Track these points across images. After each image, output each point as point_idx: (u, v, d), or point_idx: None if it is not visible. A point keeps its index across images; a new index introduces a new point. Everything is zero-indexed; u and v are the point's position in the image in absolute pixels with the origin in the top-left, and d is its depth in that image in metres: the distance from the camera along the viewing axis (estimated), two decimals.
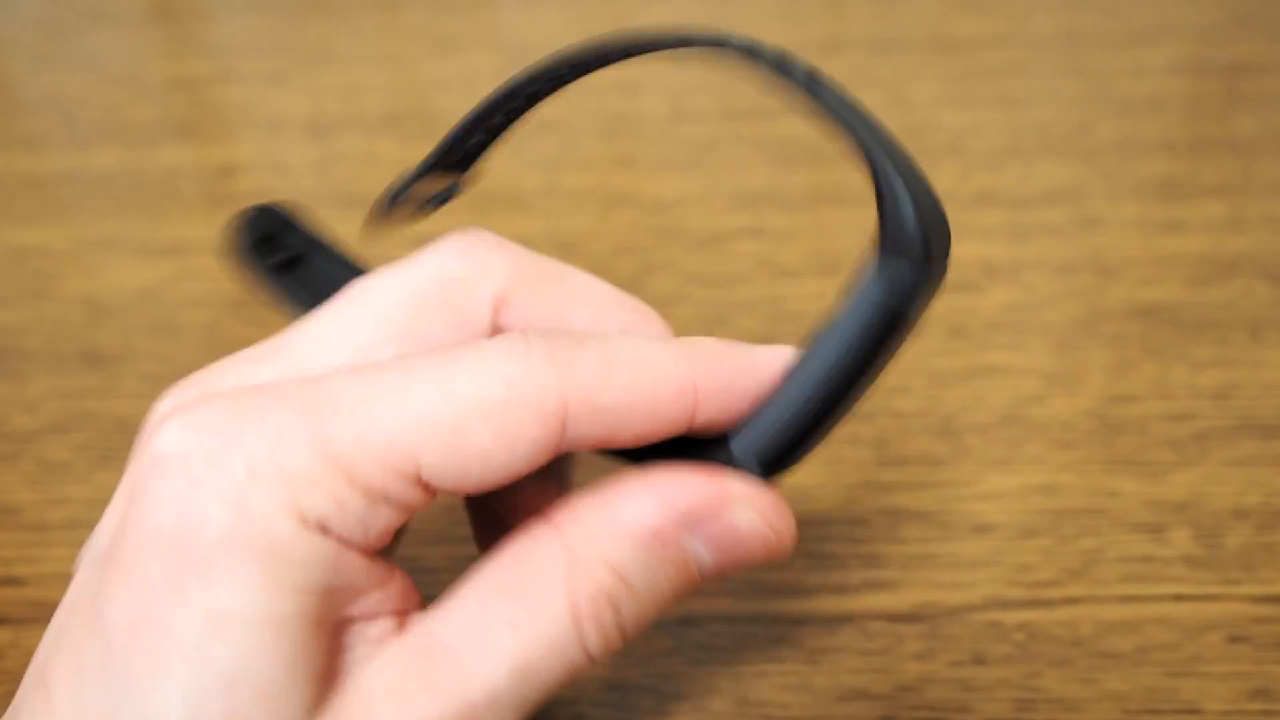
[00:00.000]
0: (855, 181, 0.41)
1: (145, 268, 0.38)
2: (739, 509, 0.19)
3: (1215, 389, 0.32)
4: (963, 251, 0.38)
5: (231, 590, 0.16)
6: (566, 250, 0.38)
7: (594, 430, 0.18)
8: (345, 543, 0.17)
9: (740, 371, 0.19)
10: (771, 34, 0.51)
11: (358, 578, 0.18)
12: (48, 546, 0.29)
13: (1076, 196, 0.40)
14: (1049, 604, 0.27)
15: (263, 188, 0.42)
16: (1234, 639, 0.26)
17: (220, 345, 0.34)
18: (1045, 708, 0.24)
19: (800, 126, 0.45)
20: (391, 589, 0.18)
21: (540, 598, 0.17)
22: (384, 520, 0.17)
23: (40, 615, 0.27)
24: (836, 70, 0.48)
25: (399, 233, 0.40)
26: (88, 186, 0.43)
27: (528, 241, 0.39)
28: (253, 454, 0.16)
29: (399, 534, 0.20)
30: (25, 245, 0.40)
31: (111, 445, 0.32)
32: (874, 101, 0.46)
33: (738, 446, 0.19)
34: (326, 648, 0.17)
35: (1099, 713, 0.24)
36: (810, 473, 0.30)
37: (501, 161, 0.43)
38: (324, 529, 0.17)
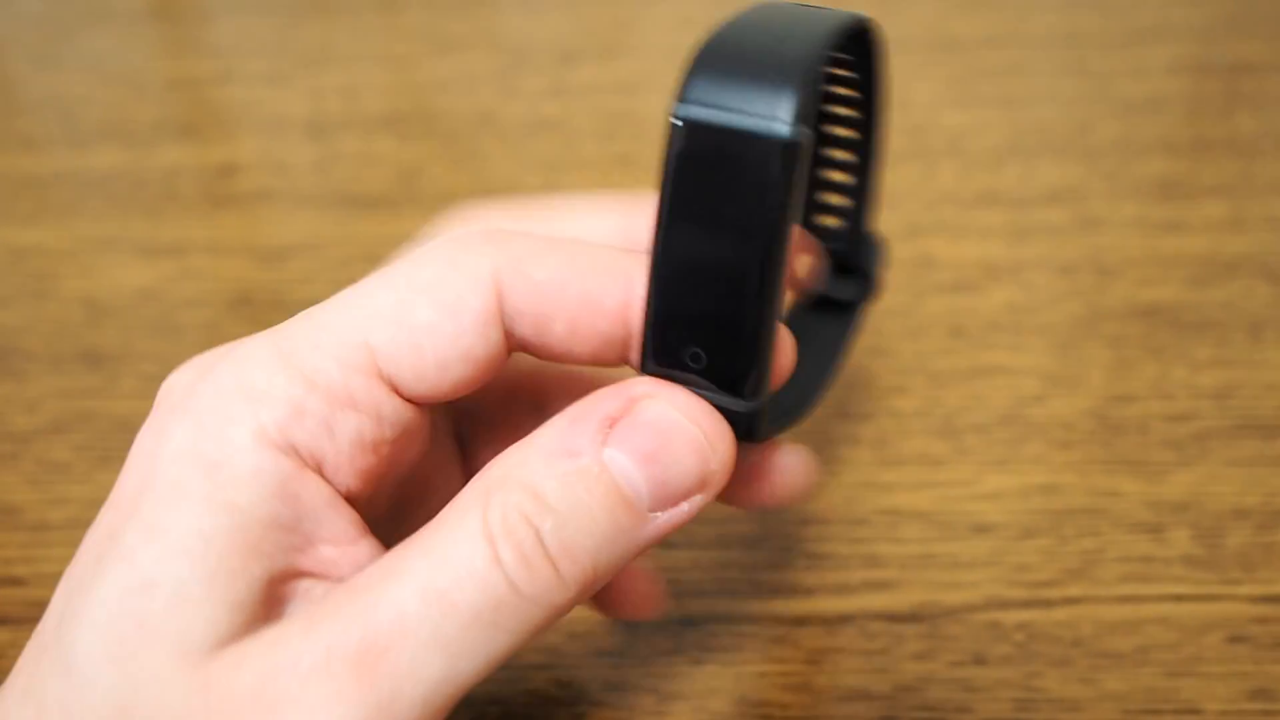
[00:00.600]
0: None
1: (145, 268, 0.38)
2: (646, 405, 0.18)
3: (1215, 389, 0.32)
4: (963, 251, 0.38)
5: (172, 501, 0.17)
6: None
7: (530, 304, 0.18)
8: (310, 462, 0.18)
9: None
10: None
11: (314, 516, 0.18)
12: (48, 547, 0.29)
13: (1077, 196, 0.40)
14: (1049, 604, 0.27)
15: (263, 188, 0.42)
16: (1234, 639, 0.26)
17: (220, 345, 0.34)
18: (1045, 708, 0.24)
19: None
20: (360, 559, 0.18)
21: (454, 525, 0.17)
22: (352, 428, 0.18)
23: (40, 615, 0.27)
24: None
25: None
26: (88, 186, 0.43)
27: None
28: (220, 379, 0.18)
29: (381, 486, 0.20)
30: (25, 245, 0.40)
31: (111, 445, 0.32)
32: None
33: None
34: (261, 581, 0.17)
35: (1099, 713, 0.24)
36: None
37: (502, 162, 0.43)
38: (287, 445, 0.17)
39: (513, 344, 0.19)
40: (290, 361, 0.18)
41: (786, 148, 0.16)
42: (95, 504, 0.31)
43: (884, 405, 0.32)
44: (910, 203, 0.40)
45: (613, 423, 0.18)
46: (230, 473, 0.17)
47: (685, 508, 0.18)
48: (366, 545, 0.19)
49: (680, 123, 0.17)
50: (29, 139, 0.46)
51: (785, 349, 0.19)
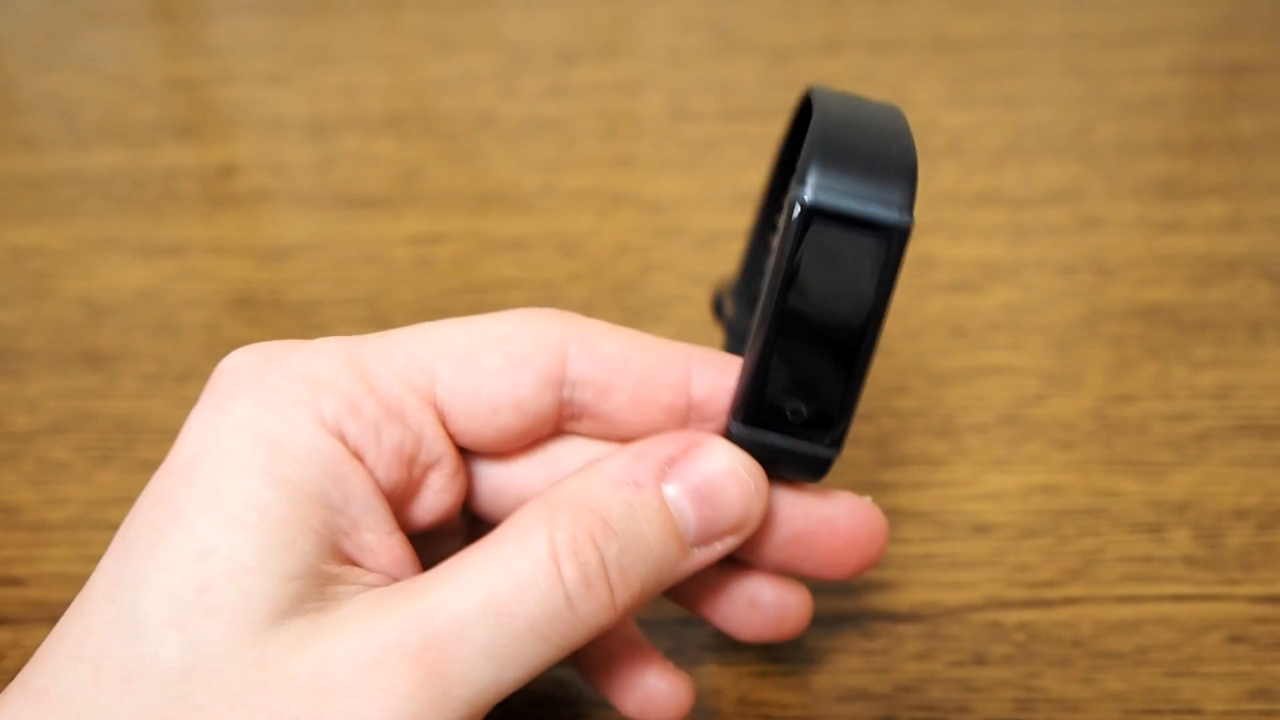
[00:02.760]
0: None
1: (145, 268, 0.38)
2: (707, 451, 0.20)
3: (1215, 389, 0.32)
4: (963, 251, 0.38)
5: (230, 474, 0.18)
6: (567, 250, 0.38)
7: (595, 373, 0.20)
8: (357, 453, 0.19)
9: (729, 360, 0.20)
10: (772, 34, 0.51)
11: (359, 501, 0.19)
12: (48, 547, 0.29)
13: (1077, 196, 0.40)
14: (1049, 604, 0.27)
15: (262, 188, 0.42)
16: (1234, 639, 0.26)
17: (220, 345, 0.34)
18: (1045, 708, 0.24)
19: None
20: (395, 551, 0.19)
21: (518, 539, 0.18)
22: (396, 438, 0.19)
23: (41, 615, 0.27)
24: (837, 70, 0.48)
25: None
26: (87, 186, 0.43)
27: (527, 241, 0.39)
28: (289, 365, 0.19)
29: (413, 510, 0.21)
30: (25, 245, 0.40)
31: (111, 445, 0.32)
32: None
33: (728, 420, 0.20)
34: (312, 555, 0.18)
35: (1099, 713, 0.24)
36: None
37: (502, 162, 0.43)
38: (339, 433, 0.18)
39: (570, 411, 0.20)
40: (357, 364, 0.19)
41: (902, 232, 0.18)
42: (95, 504, 0.31)
43: (884, 405, 0.32)
44: None
45: (672, 462, 0.19)
46: (288, 449, 0.18)
47: (718, 547, 0.20)
48: (400, 540, 0.19)
49: (808, 203, 0.18)
50: (29, 139, 0.46)
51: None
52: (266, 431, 0.18)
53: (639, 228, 0.39)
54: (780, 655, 0.26)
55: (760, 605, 0.23)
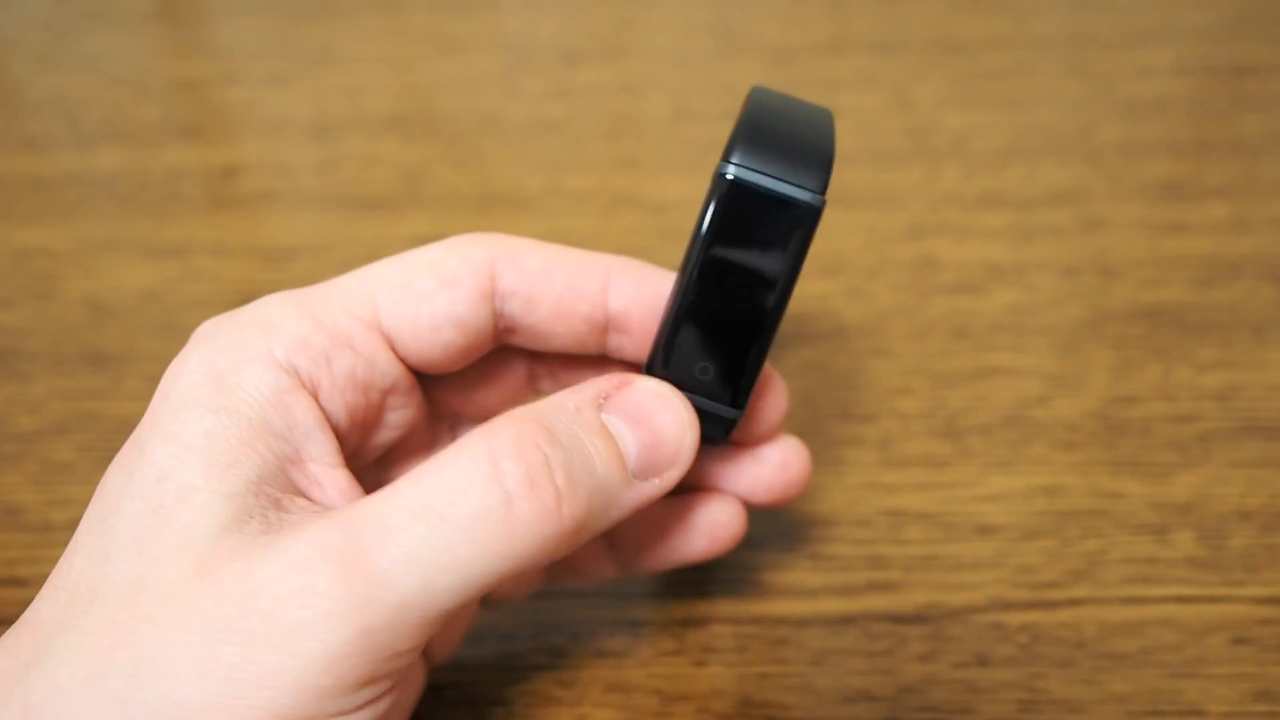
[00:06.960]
0: (855, 182, 0.41)
1: (148, 269, 0.38)
2: (639, 385, 0.21)
3: (1219, 390, 0.32)
4: (966, 253, 0.38)
5: (183, 409, 0.19)
6: None
7: (521, 286, 0.21)
8: (312, 385, 0.20)
9: (645, 271, 0.22)
10: (774, 35, 0.51)
11: (304, 429, 0.20)
12: (51, 547, 0.29)
13: (1080, 197, 0.40)
14: (1052, 605, 0.27)
15: (266, 189, 0.43)
16: (1237, 640, 0.26)
17: None
18: (1048, 709, 0.24)
19: None
20: (341, 484, 0.20)
21: (453, 454, 0.18)
22: (348, 364, 0.20)
23: None
24: (840, 71, 0.48)
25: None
26: (91, 187, 0.43)
27: None
28: (240, 315, 0.20)
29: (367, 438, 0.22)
30: (29, 246, 0.40)
31: (115, 446, 0.32)
32: (877, 102, 0.46)
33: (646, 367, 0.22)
34: (254, 476, 0.19)
35: (1102, 714, 0.24)
36: (814, 473, 0.30)
37: (505, 163, 0.43)
38: (290, 367, 0.20)
39: (503, 324, 0.22)
40: (303, 306, 0.20)
41: (814, 211, 0.19)
42: None
43: (887, 406, 0.32)
44: (913, 204, 0.40)
45: (607, 397, 0.20)
46: (233, 381, 0.19)
47: (658, 482, 0.20)
48: (345, 474, 0.20)
49: (730, 177, 0.19)
50: (33, 140, 0.46)
51: (779, 400, 0.24)
52: (216, 369, 0.19)
53: (642, 229, 0.39)
54: (783, 656, 0.26)
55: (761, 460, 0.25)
